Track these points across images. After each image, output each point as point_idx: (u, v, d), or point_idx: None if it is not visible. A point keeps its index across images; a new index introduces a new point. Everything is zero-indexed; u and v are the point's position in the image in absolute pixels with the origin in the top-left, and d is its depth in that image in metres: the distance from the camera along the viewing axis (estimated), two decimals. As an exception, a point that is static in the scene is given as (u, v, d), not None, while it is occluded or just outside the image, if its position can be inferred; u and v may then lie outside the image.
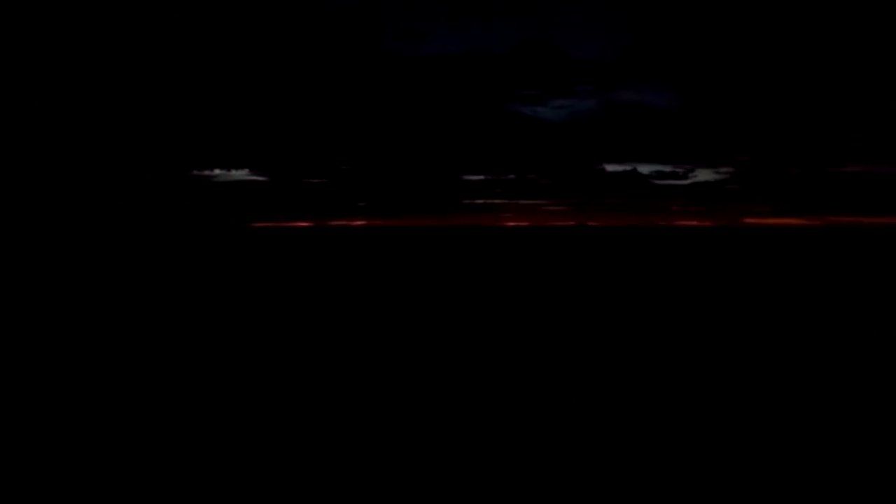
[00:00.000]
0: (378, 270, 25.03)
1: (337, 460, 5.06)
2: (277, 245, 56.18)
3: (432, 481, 4.69)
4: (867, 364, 8.06)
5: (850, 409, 6.26)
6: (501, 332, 10.44)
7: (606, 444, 5.38)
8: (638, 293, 16.08)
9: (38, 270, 24.57)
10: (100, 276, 21.95)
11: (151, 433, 5.66)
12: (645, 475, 4.77)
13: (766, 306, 13.36)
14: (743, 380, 7.36)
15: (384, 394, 6.87)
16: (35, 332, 10.62)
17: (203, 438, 5.54)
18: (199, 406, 6.47)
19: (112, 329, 10.84)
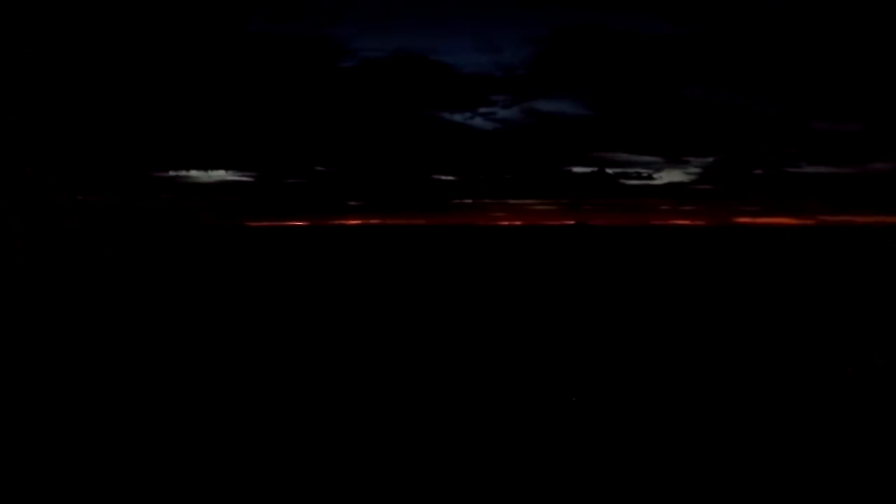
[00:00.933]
0: (363, 270, 25.11)
1: (332, 459, 5.18)
2: (263, 243, 55.63)
3: (424, 480, 4.81)
4: (860, 363, 8.34)
5: (842, 406, 6.50)
6: (499, 329, 10.71)
7: (605, 443, 5.58)
8: (638, 292, 16.22)
9: (27, 274, 24.66)
10: (86, 276, 22.06)
11: (146, 434, 5.74)
12: (640, 472, 4.96)
13: (759, 304, 13.55)
14: (737, 378, 7.66)
15: (380, 393, 7.05)
16: (24, 333, 10.76)
17: (199, 438, 5.65)
18: (190, 407, 6.56)
19: (103, 329, 11.06)
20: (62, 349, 9.43)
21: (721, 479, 4.83)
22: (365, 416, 6.30)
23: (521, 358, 8.97)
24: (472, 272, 24.93)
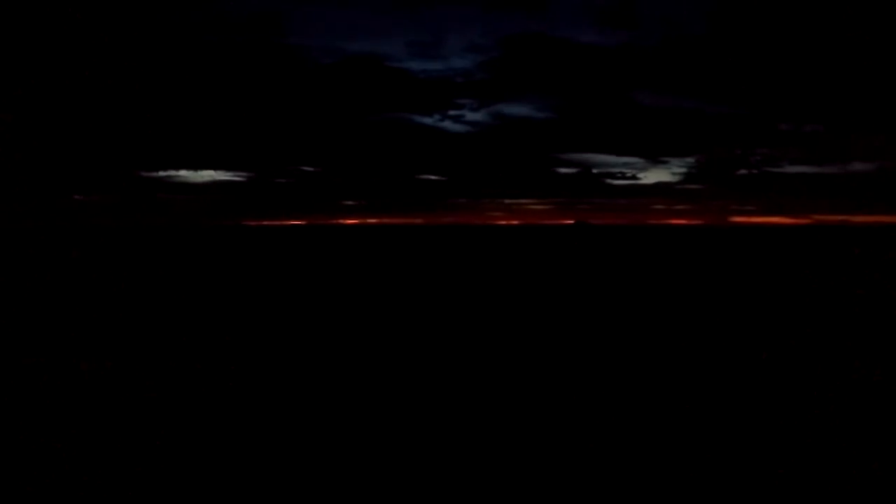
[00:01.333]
0: (360, 270, 25.07)
1: (329, 458, 5.04)
2: (259, 242, 56.44)
3: (420, 480, 4.66)
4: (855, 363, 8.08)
5: (839, 406, 6.28)
6: (495, 328, 10.48)
7: (604, 443, 5.38)
8: (635, 292, 16.14)
9: (25, 278, 24.57)
10: (84, 276, 21.98)
11: (145, 434, 5.62)
12: (637, 472, 4.76)
13: (752, 304, 13.42)
14: (734, 378, 7.37)
15: (380, 392, 6.87)
16: (24, 334, 10.61)
17: (198, 437, 5.51)
18: (189, 407, 6.43)
19: (102, 328, 10.86)
20: (61, 349, 9.26)
21: (718, 475, 4.59)
22: (363, 416, 6.10)
23: (522, 357, 8.71)
24: (473, 272, 24.89)
